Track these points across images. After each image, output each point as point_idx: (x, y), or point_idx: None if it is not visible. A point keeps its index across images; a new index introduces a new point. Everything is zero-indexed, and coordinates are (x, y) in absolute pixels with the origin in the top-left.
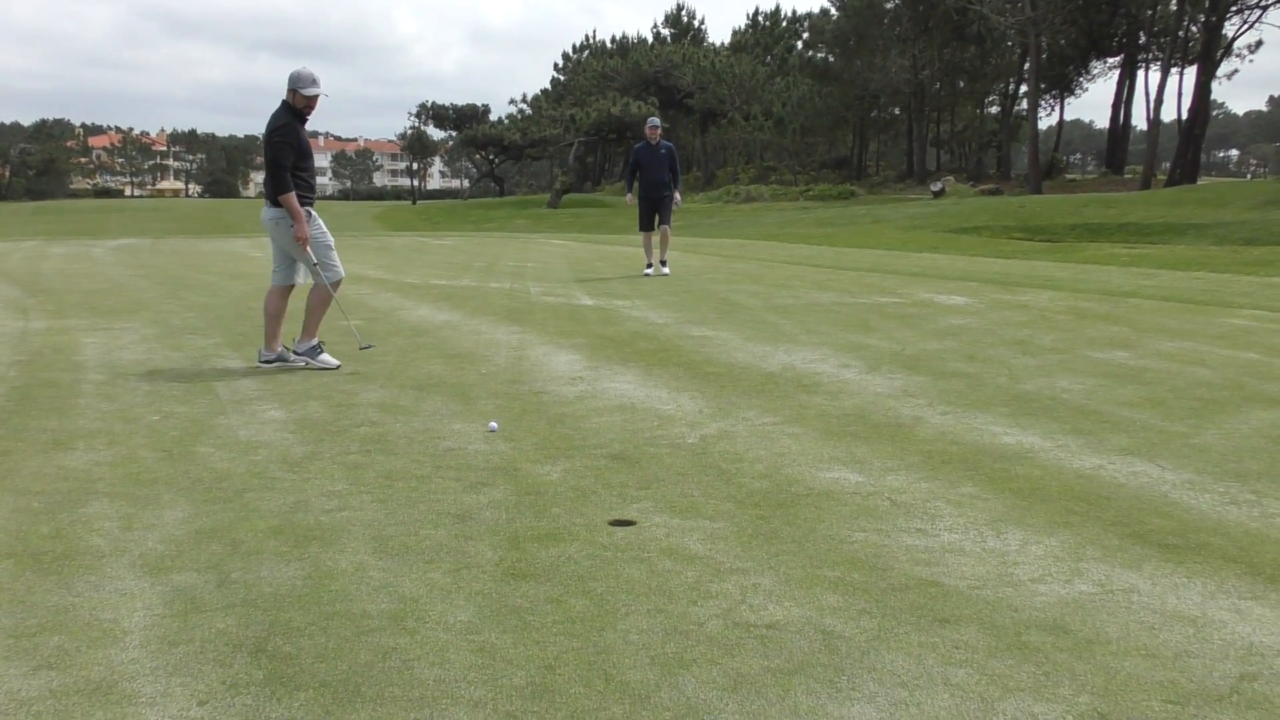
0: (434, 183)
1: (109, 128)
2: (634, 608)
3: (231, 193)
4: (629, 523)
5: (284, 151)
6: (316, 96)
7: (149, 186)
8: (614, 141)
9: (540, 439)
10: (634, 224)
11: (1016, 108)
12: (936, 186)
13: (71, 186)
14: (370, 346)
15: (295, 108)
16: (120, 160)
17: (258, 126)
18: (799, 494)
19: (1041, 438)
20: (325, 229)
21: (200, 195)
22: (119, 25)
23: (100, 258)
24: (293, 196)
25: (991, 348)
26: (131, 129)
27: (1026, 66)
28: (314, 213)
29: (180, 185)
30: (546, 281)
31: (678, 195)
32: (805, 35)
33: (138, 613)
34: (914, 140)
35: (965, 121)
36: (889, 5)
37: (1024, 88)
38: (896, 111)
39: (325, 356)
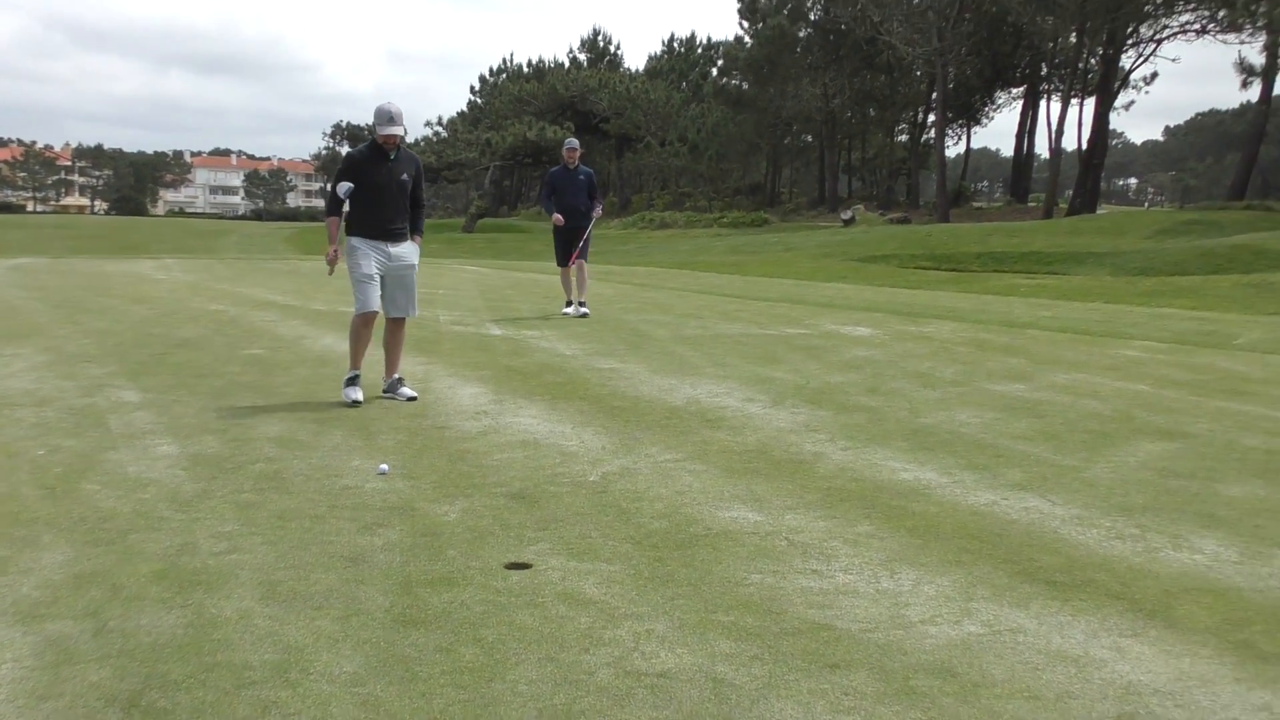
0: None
1: (11, 140)
2: (525, 656)
3: (140, 210)
4: (525, 565)
5: (336, 179)
6: (391, 136)
7: (53, 202)
8: (530, 166)
9: (440, 476)
10: (548, 248)
11: (925, 136)
12: (847, 215)
13: None
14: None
15: (377, 143)
16: (22, 174)
17: (168, 142)
18: (697, 534)
19: (939, 473)
20: (369, 265)
21: (107, 212)
22: (23, 34)
23: None
24: (331, 221)
25: (894, 380)
26: (34, 142)
27: (934, 96)
28: (371, 246)
29: (86, 201)
30: (456, 309)
31: (598, 209)
32: (720, 62)
33: (5, 664)
34: (826, 167)
35: (876, 149)
36: (801, 34)
37: (932, 116)
38: (809, 139)
39: (346, 390)
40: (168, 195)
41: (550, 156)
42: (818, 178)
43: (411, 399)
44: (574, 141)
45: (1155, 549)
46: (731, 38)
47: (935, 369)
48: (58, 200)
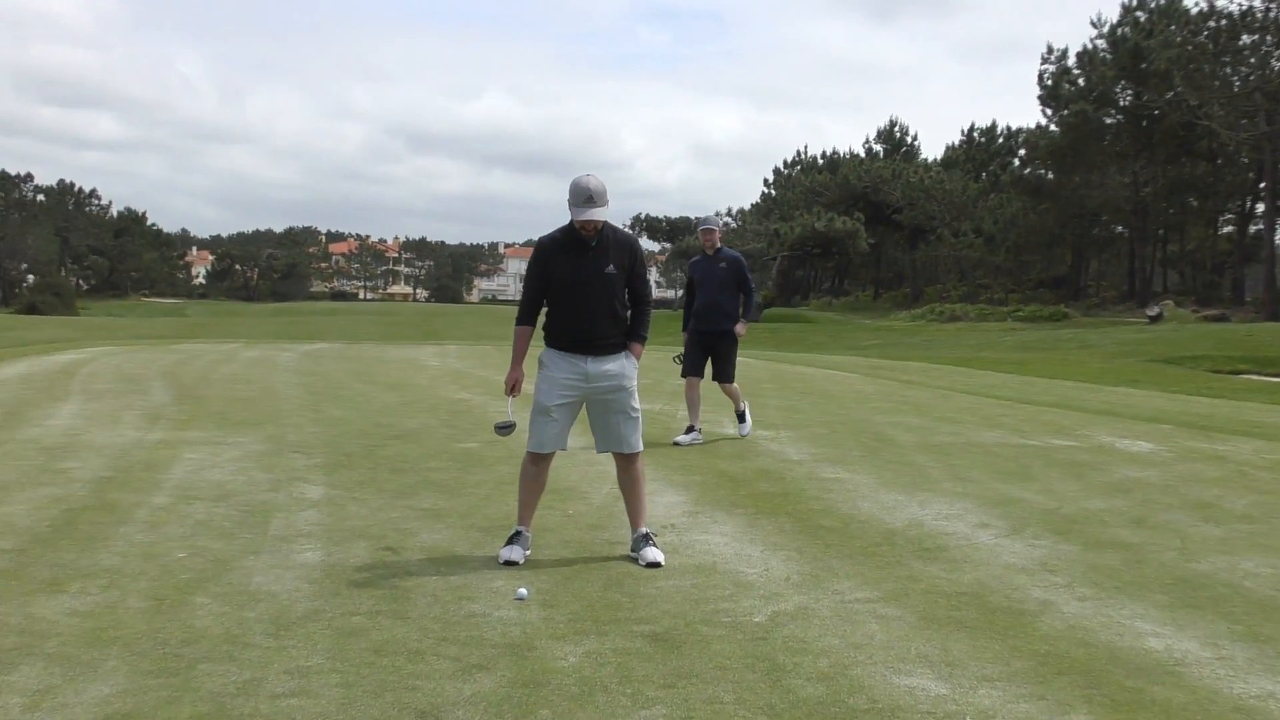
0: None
1: (349, 235)
2: None
3: (455, 298)
4: None
5: (527, 276)
6: (587, 223)
7: (381, 290)
8: (819, 256)
9: (583, 606)
10: (831, 339)
11: (1254, 227)
12: (1154, 311)
13: (311, 289)
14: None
15: (574, 227)
16: (356, 265)
17: (485, 235)
18: (857, 708)
19: (1200, 644)
20: (551, 394)
21: (427, 299)
22: (369, 142)
23: (283, 363)
24: (520, 331)
25: (1168, 510)
26: (368, 236)
27: (1262, 184)
28: (564, 363)
29: (409, 290)
30: (701, 404)
31: (740, 327)
32: (1022, 152)
33: None
34: (1136, 260)
35: (1196, 241)
36: (1108, 121)
37: (1261, 206)
38: (1119, 229)
39: (502, 550)
40: (481, 284)
41: (839, 247)
42: (1127, 271)
43: (653, 564)
44: (713, 220)
45: None
46: (1033, 125)
47: (1224, 498)
48: (385, 289)
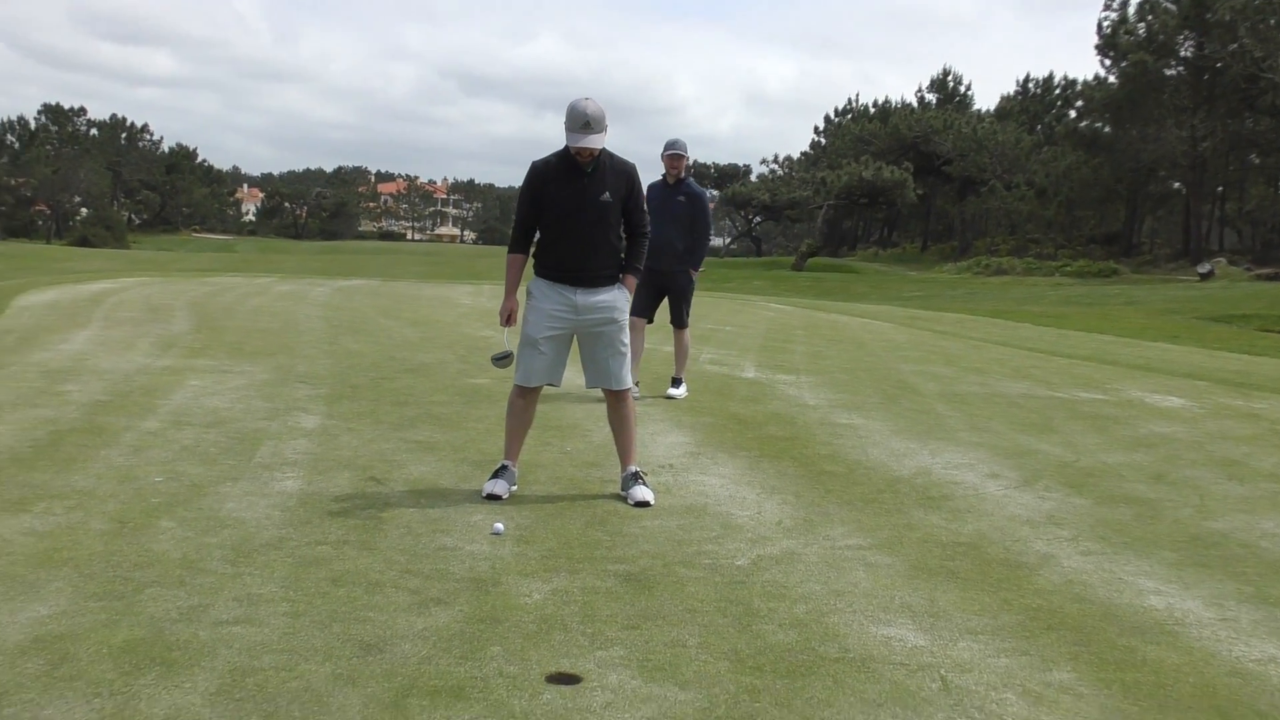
0: None
1: (399, 175)
2: None
3: (502, 240)
4: (572, 679)
5: (519, 202)
6: (583, 149)
7: (429, 232)
8: (867, 206)
9: (560, 543)
10: (874, 289)
11: None
12: (1204, 268)
13: (359, 229)
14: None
15: (570, 153)
16: (404, 206)
17: None
18: (826, 657)
19: (1204, 603)
20: (540, 325)
21: (475, 241)
22: (423, 83)
23: (314, 297)
24: (511, 259)
25: (1191, 466)
26: (417, 177)
27: None
28: (553, 293)
29: (456, 232)
30: (725, 348)
31: (694, 272)
32: (1078, 103)
33: None
34: (1192, 217)
35: (1257, 199)
36: (1169, 73)
37: None
38: (1176, 186)
39: (487, 482)
40: None
41: (886, 197)
42: (1183, 228)
43: (641, 504)
44: (678, 144)
45: None
46: (1091, 76)
47: (1252, 456)
48: (433, 230)
